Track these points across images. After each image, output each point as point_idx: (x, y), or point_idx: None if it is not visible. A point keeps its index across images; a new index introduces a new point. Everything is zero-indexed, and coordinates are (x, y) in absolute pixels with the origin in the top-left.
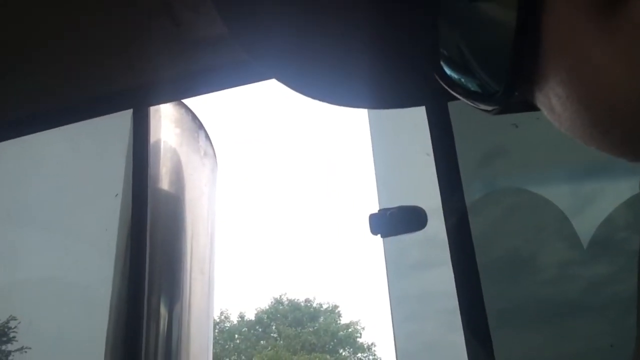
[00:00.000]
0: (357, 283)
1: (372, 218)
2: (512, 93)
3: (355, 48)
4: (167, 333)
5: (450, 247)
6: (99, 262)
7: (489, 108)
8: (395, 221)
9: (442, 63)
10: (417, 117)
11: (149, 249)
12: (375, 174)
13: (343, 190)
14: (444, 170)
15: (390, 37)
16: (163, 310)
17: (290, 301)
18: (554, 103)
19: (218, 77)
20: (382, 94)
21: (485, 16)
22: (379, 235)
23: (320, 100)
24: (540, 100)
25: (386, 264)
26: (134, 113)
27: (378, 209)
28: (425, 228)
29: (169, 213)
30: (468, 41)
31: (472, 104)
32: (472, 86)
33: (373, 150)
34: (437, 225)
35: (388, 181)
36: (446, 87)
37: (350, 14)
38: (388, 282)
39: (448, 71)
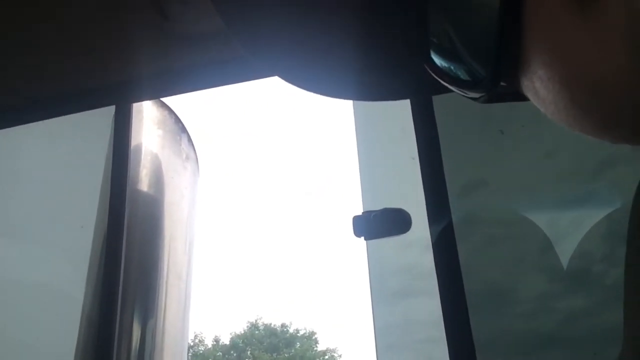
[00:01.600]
0: (336, 310)
1: (356, 220)
2: (499, 78)
3: (341, 38)
4: (140, 345)
5: (435, 259)
6: (73, 264)
7: (477, 95)
8: (379, 223)
9: (430, 51)
10: (404, 121)
11: (125, 251)
12: (360, 176)
13: (326, 204)
14: (429, 170)
15: (378, 28)
16: (137, 319)
17: (266, 326)
18: (537, 86)
19: (206, 74)
20: (367, 86)
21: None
22: (362, 238)
23: (305, 89)
24: (525, 85)
25: (371, 292)
26: (116, 109)
27: (362, 211)
28: (408, 258)
29: (147, 215)
30: (455, 26)
31: (460, 92)
32: (461, 73)
33: (359, 153)
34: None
35: (373, 184)
36: (434, 76)
37: (338, 4)
38: (373, 310)
39: (436, 59)
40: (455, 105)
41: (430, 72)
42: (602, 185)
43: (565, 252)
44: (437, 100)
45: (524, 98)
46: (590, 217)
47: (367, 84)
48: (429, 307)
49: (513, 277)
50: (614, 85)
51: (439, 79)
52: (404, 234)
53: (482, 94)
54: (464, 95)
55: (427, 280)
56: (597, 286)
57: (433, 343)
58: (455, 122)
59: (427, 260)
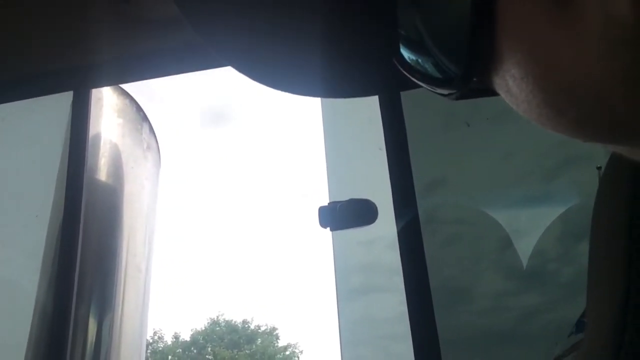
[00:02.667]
0: (299, 305)
1: (322, 211)
2: (471, 76)
3: (308, 34)
4: (97, 340)
5: (401, 251)
6: (26, 254)
7: (448, 92)
8: (345, 214)
9: (401, 47)
10: (371, 112)
11: (81, 242)
12: (327, 167)
13: (291, 197)
14: (395, 163)
15: (346, 23)
16: (93, 312)
17: (227, 322)
18: (510, 85)
19: (168, 60)
20: (335, 83)
21: None
22: (328, 229)
23: (271, 87)
24: (497, 83)
25: (336, 288)
26: (74, 95)
27: (328, 201)
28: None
29: (106, 206)
30: (425, 21)
31: (431, 89)
32: (431, 70)
33: (325, 144)
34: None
35: (339, 175)
36: (405, 73)
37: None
38: (338, 306)
39: (406, 54)
40: (419, 102)
41: (400, 67)
42: (560, 185)
43: (523, 250)
44: (404, 95)
45: (495, 93)
46: (548, 216)
47: (334, 81)
48: (391, 303)
49: (472, 275)
50: (587, 86)
51: (408, 75)
52: (369, 231)
53: (453, 92)
54: (433, 92)
55: (389, 277)
56: (552, 284)
57: (394, 339)
58: (419, 119)
59: (389, 257)
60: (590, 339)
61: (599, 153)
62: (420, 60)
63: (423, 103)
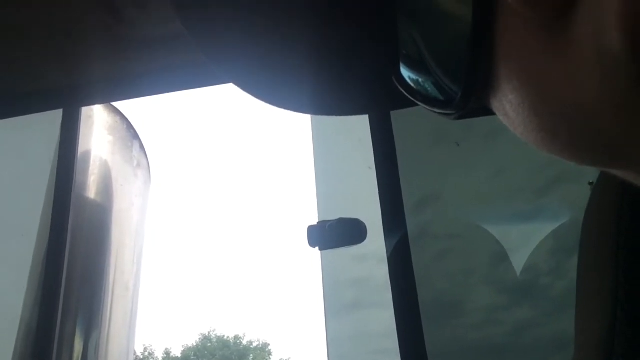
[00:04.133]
0: (291, 320)
1: (311, 230)
2: (470, 98)
3: (302, 50)
4: (82, 357)
5: (390, 270)
6: (12, 271)
7: (448, 113)
8: (334, 234)
9: (401, 65)
10: (360, 131)
11: (67, 259)
12: (316, 186)
13: (282, 214)
14: (385, 181)
15: (343, 41)
16: (79, 330)
17: (219, 338)
18: (507, 109)
19: (160, 79)
20: (325, 100)
21: (444, 13)
22: (317, 248)
23: (262, 100)
24: (495, 106)
25: (324, 303)
26: (64, 113)
27: (317, 221)
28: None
29: (94, 223)
30: (427, 41)
31: (430, 109)
32: (431, 90)
33: (315, 163)
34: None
35: (329, 194)
36: (403, 92)
37: (302, 13)
38: (326, 321)
39: (406, 73)
40: (410, 120)
41: (398, 86)
42: (550, 201)
43: (515, 265)
44: (394, 113)
45: (492, 113)
46: (539, 232)
47: (327, 98)
48: (380, 318)
49: (463, 290)
50: (580, 113)
51: (406, 94)
52: (359, 246)
53: (453, 112)
54: (432, 112)
55: (379, 292)
56: (544, 298)
57: (384, 354)
58: (411, 137)
59: (379, 273)
60: (579, 353)
61: (590, 169)
62: (420, 80)
63: (413, 122)
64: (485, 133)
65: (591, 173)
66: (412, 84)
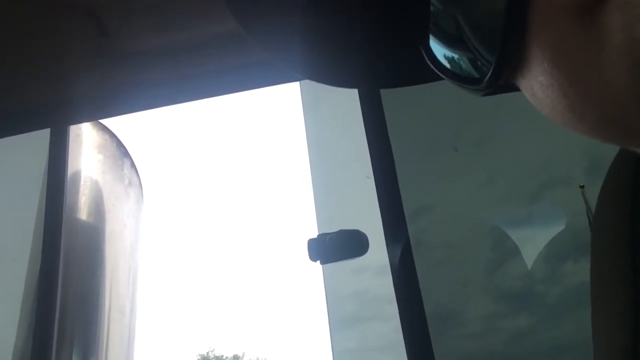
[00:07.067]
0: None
1: (311, 243)
2: (501, 73)
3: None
4: None
5: (393, 276)
6: (3, 301)
7: (478, 88)
8: (335, 246)
9: (431, 40)
10: (356, 141)
11: (61, 285)
12: (314, 198)
13: (278, 227)
14: (384, 189)
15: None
16: (75, 359)
17: (218, 358)
18: (536, 90)
19: (148, 94)
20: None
21: None
22: (318, 262)
23: (320, 82)
24: (524, 86)
25: (328, 317)
26: (51, 133)
27: (317, 234)
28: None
29: (87, 246)
30: (461, 16)
31: (460, 85)
32: (463, 65)
33: (312, 175)
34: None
35: (327, 206)
36: (431, 66)
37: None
38: (330, 335)
39: (437, 48)
40: (405, 128)
41: (427, 59)
42: (542, 207)
43: (509, 273)
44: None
45: (517, 89)
46: (532, 238)
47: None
48: (381, 331)
49: (460, 299)
50: (609, 96)
51: (436, 70)
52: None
53: (483, 88)
54: (462, 87)
55: (379, 304)
56: (540, 305)
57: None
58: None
59: (378, 285)
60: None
61: (580, 173)
62: (451, 55)
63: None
64: (478, 140)
65: (580, 177)
66: (442, 59)
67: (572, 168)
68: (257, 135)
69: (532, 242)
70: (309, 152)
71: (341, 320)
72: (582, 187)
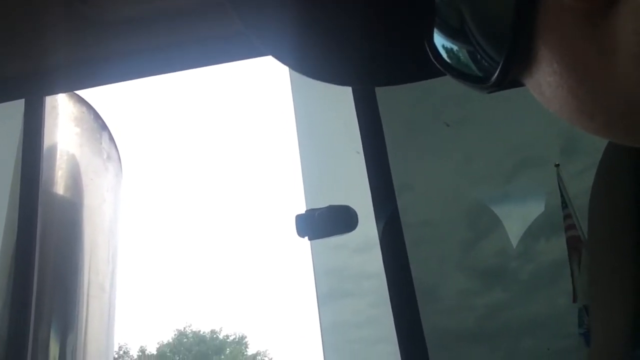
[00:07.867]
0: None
1: (299, 219)
2: (509, 71)
3: (346, 23)
4: None
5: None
6: None
7: (483, 86)
8: (323, 222)
9: (435, 36)
10: (345, 115)
11: (38, 261)
12: (302, 172)
13: (262, 200)
14: (373, 164)
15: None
16: (54, 334)
17: (195, 333)
18: (544, 89)
19: (127, 64)
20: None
21: None
22: (306, 238)
23: (311, 77)
24: (531, 84)
25: (316, 291)
26: (25, 104)
27: (305, 209)
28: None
29: (64, 221)
30: (469, 10)
31: (463, 82)
32: (468, 62)
33: (300, 149)
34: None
35: (316, 181)
36: (437, 64)
37: None
38: (318, 310)
39: (443, 44)
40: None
41: (432, 58)
42: (516, 186)
43: (484, 250)
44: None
45: (522, 85)
46: (506, 217)
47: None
48: (358, 308)
49: (436, 276)
50: (618, 97)
51: (440, 67)
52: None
53: (489, 85)
54: (466, 84)
55: (356, 282)
56: (513, 282)
57: (364, 343)
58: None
59: (356, 262)
60: (598, 341)
61: (554, 153)
62: (457, 52)
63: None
64: (458, 120)
65: (556, 158)
66: (447, 57)
67: (548, 148)
68: (242, 107)
69: (508, 220)
70: (296, 125)
71: (328, 295)
72: (557, 165)
